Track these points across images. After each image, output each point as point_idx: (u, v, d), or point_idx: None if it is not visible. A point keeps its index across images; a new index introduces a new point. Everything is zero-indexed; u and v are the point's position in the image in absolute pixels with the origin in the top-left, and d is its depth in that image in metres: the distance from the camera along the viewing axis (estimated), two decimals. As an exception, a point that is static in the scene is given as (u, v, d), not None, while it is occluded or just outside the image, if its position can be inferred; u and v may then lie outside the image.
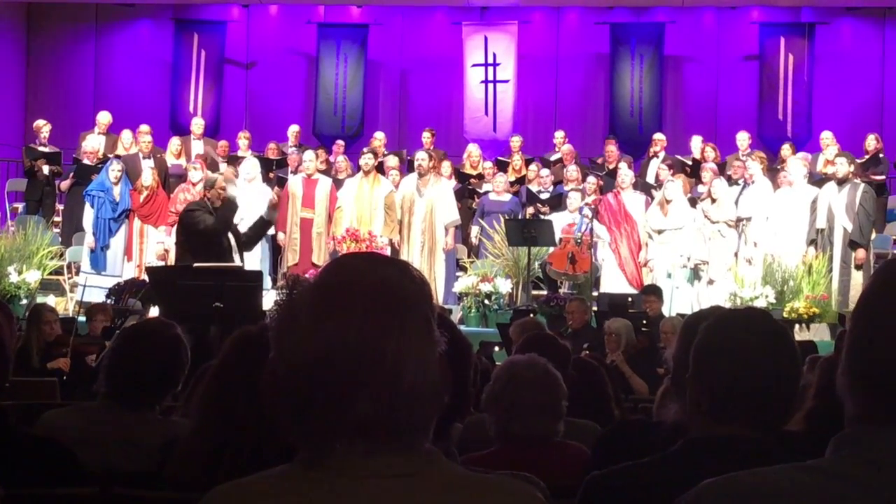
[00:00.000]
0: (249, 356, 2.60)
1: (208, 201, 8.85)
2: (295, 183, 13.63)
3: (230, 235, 8.88)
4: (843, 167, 12.32)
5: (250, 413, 2.55)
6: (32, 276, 12.34)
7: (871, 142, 14.51)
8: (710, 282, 12.40)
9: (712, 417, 2.10)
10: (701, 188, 13.53)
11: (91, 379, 6.98)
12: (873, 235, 12.68)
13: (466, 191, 14.62)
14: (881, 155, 14.47)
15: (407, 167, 14.51)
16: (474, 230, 13.79)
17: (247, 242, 9.13)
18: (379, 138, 15.84)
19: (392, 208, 13.07)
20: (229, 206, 9.08)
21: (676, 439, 2.15)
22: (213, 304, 7.31)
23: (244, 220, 12.28)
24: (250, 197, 12.61)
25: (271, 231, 13.28)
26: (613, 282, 12.85)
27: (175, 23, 18.46)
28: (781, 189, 12.74)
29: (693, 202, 13.15)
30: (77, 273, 13.54)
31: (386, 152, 15.34)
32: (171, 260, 12.32)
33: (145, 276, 11.18)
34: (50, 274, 13.02)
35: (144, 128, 15.04)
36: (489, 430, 3.56)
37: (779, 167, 13.91)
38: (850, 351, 1.42)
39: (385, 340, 1.40)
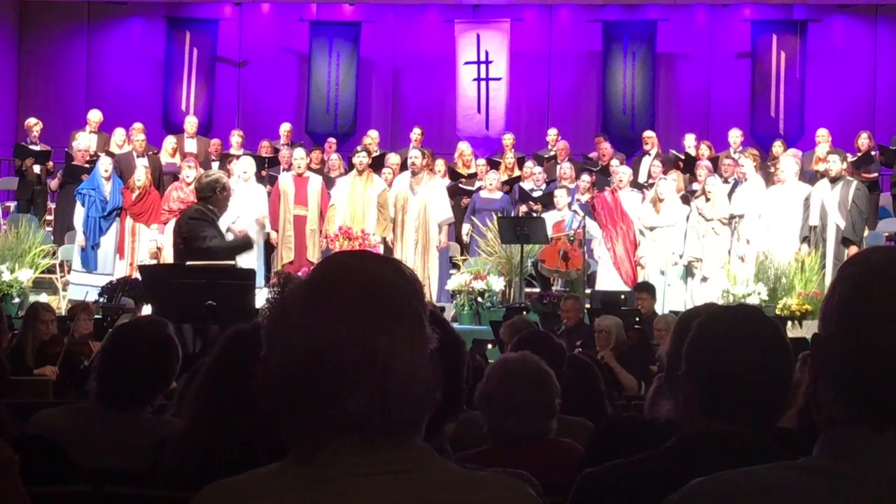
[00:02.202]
0: (242, 354, 2.59)
1: (216, 204, 8.18)
2: (286, 181, 13.63)
3: (226, 236, 8.74)
4: (835, 164, 12.34)
5: (243, 411, 2.54)
6: (25, 275, 12.32)
7: (864, 140, 14.53)
8: (704, 279, 12.41)
9: (705, 414, 2.10)
10: (696, 185, 13.53)
11: (83, 378, 6.99)
12: (866, 233, 12.70)
13: (457, 188, 14.59)
14: (873, 153, 14.49)
15: (400, 166, 14.51)
16: (465, 228, 13.80)
17: (223, 250, 8.40)
18: (372, 137, 15.85)
19: (385, 207, 13.06)
20: (244, 242, 8.57)
21: (669, 436, 2.15)
22: (206, 302, 7.29)
23: (240, 217, 12.30)
24: (245, 196, 12.62)
25: (267, 228, 13.29)
26: (609, 280, 12.86)
27: (167, 21, 18.44)
28: (774, 186, 12.76)
29: (686, 199, 13.16)
30: (69, 272, 13.52)
31: (378, 150, 15.32)
32: (166, 258, 12.29)
33: (137, 275, 11.15)
34: (42, 272, 12.99)
35: (138, 126, 15.02)
36: (482, 428, 3.56)
37: (771, 164, 13.92)
38: (832, 360, 1.40)
39: (376, 337, 1.39)
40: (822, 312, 1.45)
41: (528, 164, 15.00)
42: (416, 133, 15.56)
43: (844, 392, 1.39)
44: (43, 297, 12.00)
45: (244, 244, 8.62)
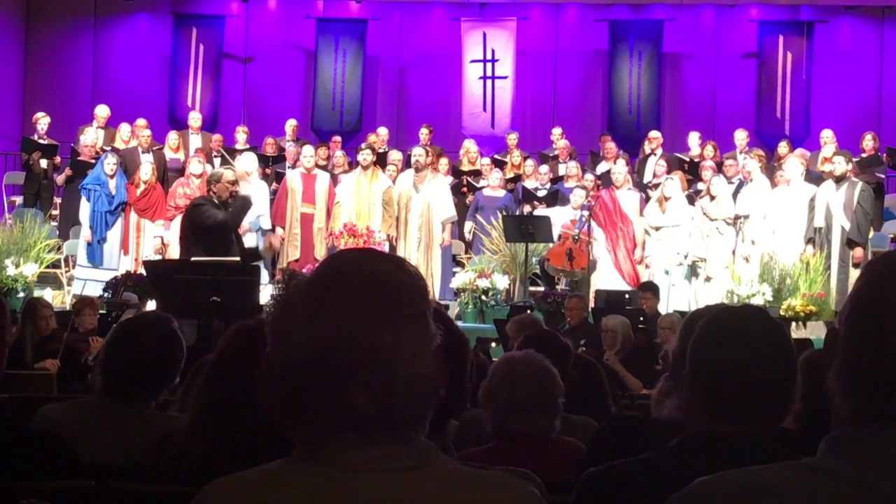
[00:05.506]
0: (247, 350, 2.59)
1: (214, 195, 8.77)
2: (294, 178, 13.61)
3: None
4: (840, 165, 12.33)
5: (247, 407, 2.54)
6: (30, 270, 12.32)
7: (869, 141, 14.50)
8: (708, 279, 12.41)
9: (708, 414, 2.09)
10: (700, 185, 13.52)
11: (84, 373, 7.01)
12: (871, 234, 12.69)
13: (467, 182, 14.55)
14: (880, 154, 14.46)
15: (405, 163, 14.51)
16: (468, 226, 13.79)
17: (228, 221, 9.19)
18: (381, 134, 15.86)
19: (390, 204, 13.05)
20: (244, 203, 9.03)
21: (673, 436, 2.15)
22: (211, 297, 7.31)
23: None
24: (247, 192, 12.60)
25: (267, 225, 13.28)
26: (609, 280, 12.84)
27: (174, 17, 18.46)
28: (779, 187, 12.75)
29: (691, 199, 13.15)
30: (74, 266, 13.53)
31: (388, 148, 15.30)
32: (171, 254, 12.30)
33: (142, 270, 11.17)
34: (47, 267, 13.01)
35: (141, 122, 15.01)
36: (486, 427, 3.55)
37: (776, 165, 13.91)
38: (842, 352, 1.41)
39: (380, 334, 1.40)
40: (842, 308, 1.46)
41: (530, 162, 14.92)
42: (424, 132, 15.56)
43: (851, 388, 1.40)
44: (48, 292, 12.02)
45: (244, 204, 9.08)
